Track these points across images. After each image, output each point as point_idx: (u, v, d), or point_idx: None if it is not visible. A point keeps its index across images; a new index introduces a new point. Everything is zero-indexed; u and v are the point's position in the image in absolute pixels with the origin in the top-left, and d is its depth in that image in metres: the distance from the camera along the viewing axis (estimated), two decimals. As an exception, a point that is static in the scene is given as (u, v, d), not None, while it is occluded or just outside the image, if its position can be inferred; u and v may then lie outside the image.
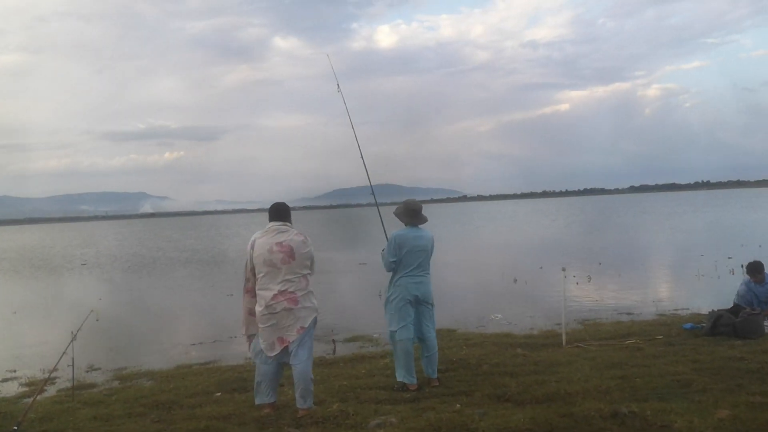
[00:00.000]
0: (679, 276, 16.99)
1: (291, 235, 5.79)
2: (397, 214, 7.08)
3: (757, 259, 9.76)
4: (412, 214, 6.97)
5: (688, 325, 9.31)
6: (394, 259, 6.77)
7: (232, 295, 17.45)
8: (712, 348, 7.90)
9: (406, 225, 6.96)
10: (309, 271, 5.86)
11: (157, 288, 21.75)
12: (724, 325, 8.59)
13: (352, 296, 16.68)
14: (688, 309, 11.92)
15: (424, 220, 7.03)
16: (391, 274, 6.91)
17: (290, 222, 5.96)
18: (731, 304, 9.33)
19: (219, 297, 17.65)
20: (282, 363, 5.88)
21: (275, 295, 5.64)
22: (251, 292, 5.88)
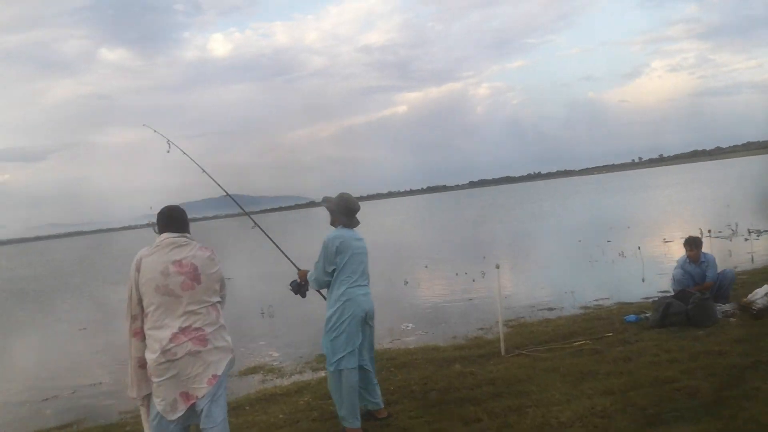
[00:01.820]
0: (573, 264, 16.49)
1: (193, 249, 4.12)
2: (331, 210, 5.58)
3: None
4: (351, 213, 5.53)
5: (631, 317, 8.42)
6: (333, 268, 5.31)
7: (85, 328, 15.01)
8: (677, 342, 6.98)
9: (340, 225, 5.53)
10: (219, 298, 4.20)
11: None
12: (675, 314, 7.75)
13: (232, 316, 14.74)
14: (608, 298, 11.19)
15: (357, 222, 5.61)
16: (329, 288, 5.43)
17: (189, 232, 4.25)
18: (658, 291, 8.65)
19: (70, 333, 15.00)
20: (187, 427, 4.13)
21: (175, 335, 3.92)
22: (140, 335, 4.07)
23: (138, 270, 4.04)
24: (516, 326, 9.63)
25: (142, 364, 4.06)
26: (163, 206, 4.30)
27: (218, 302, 4.17)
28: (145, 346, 4.04)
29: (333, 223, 5.62)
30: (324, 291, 5.64)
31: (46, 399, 9.06)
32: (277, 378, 8.52)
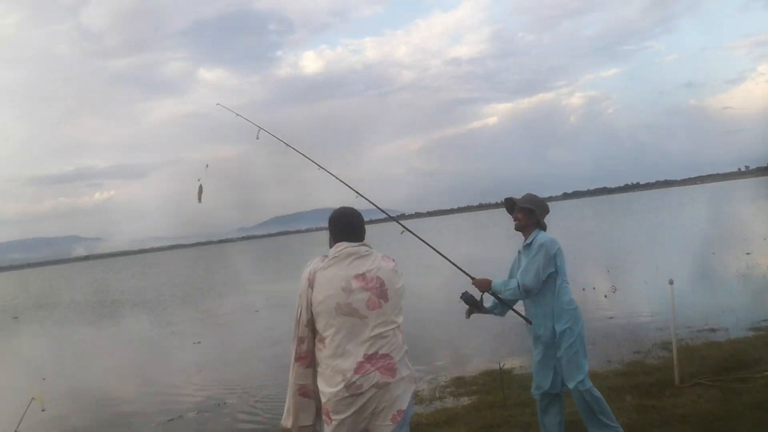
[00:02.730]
0: (719, 279, 14.84)
1: (376, 260, 3.44)
2: (537, 205, 4.93)
3: None
4: (545, 211, 5.01)
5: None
6: (551, 271, 4.75)
7: (199, 342, 14.74)
8: None
9: (536, 228, 4.98)
10: (402, 319, 3.48)
11: (105, 340, 18.65)
12: None
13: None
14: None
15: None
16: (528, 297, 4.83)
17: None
18: None
19: (184, 347, 14.77)
20: None
21: (360, 365, 3.20)
22: (305, 360, 3.39)
23: (311, 286, 3.33)
24: (680, 350, 8.45)
25: (304, 392, 3.40)
26: (336, 209, 3.65)
27: (401, 323, 3.46)
28: (309, 373, 3.39)
29: (527, 226, 4.94)
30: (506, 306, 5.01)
31: (171, 419, 8.63)
32: (416, 404, 7.72)
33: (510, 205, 5.09)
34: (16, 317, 30.69)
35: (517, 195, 5.03)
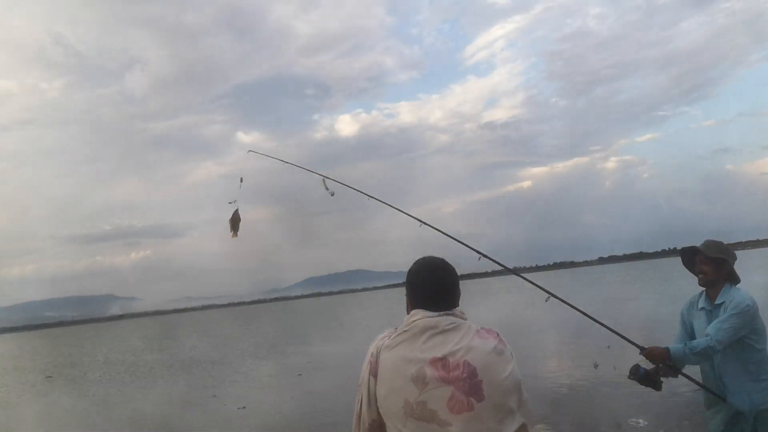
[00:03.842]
0: None
1: (466, 336, 2.28)
2: (728, 254, 4.06)
3: None
4: (734, 260, 4.17)
5: None
6: (749, 332, 3.89)
7: (244, 407, 13.82)
8: None
9: (733, 283, 4.05)
10: (519, 422, 2.28)
11: (140, 402, 17.79)
12: None
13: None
14: None
15: None
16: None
17: (457, 305, 2.43)
18: None
19: (228, 412, 13.86)
20: None
21: None
22: None
23: (373, 373, 2.32)
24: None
25: None
26: (416, 260, 2.51)
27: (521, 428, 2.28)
28: None
29: (717, 280, 4.05)
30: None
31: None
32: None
33: (690, 255, 4.20)
34: (49, 376, 30.12)
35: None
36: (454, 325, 2.26)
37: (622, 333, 4.17)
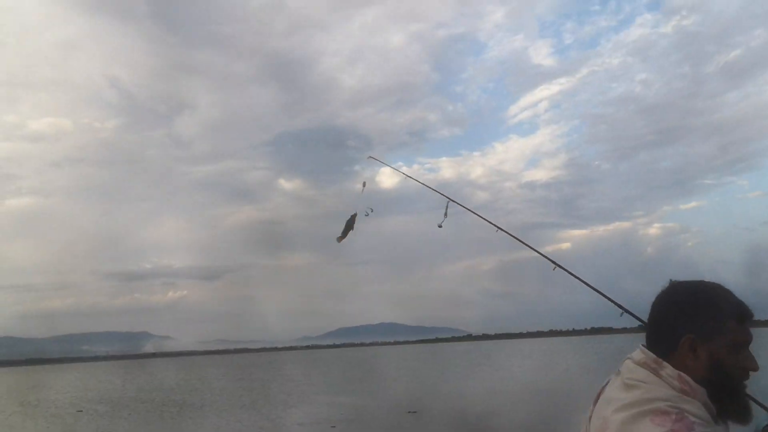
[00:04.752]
0: None
1: (617, 395, 1.61)
2: None
3: None
4: None
5: None
6: None
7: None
8: None
9: None
10: None
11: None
12: None
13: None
14: None
15: None
16: None
17: (665, 351, 1.64)
18: None
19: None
20: None
21: None
22: None
23: (590, 417, 1.72)
24: None
25: None
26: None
27: None
28: None
29: None
30: None
31: None
32: None
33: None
34: (80, 410, 29.89)
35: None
36: (634, 382, 1.61)
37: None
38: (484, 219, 3.70)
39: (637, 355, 1.67)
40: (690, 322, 1.61)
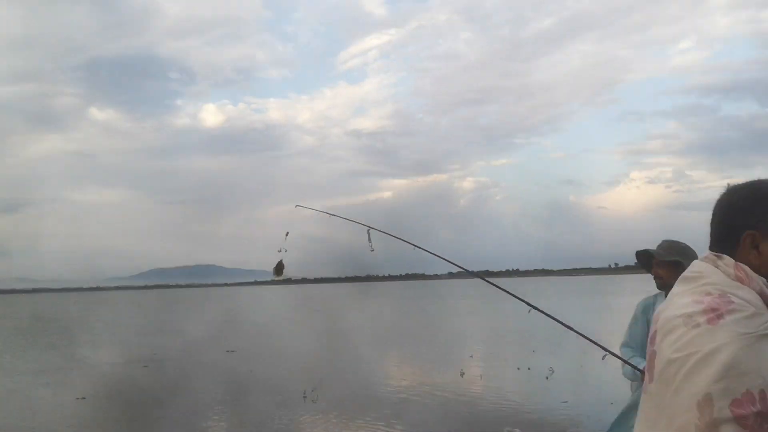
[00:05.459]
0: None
1: (686, 291, 1.52)
2: (684, 256, 3.76)
3: None
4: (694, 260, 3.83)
5: None
6: None
7: (84, 398, 12.42)
8: None
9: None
10: None
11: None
12: None
13: (264, 403, 12.18)
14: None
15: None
16: None
17: (728, 251, 1.55)
18: None
19: (64, 404, 12.40)
20: None
21: None
22: None
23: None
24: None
25: None
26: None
27: None
28: None
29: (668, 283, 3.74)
30: None
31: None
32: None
33: (645, 259, 3.97)
34: None
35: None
36: (695, 275, 1.57)
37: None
38: (409, 242, 4.13)
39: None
40: (750, 218, 1.54)
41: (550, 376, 13.12)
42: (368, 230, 4.23)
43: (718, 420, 1.27)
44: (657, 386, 1.44)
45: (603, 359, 3.61)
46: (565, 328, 3.97)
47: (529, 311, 3.74)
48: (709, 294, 1.45)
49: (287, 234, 4.54)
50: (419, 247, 4.14)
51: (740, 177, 1.64)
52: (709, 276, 1.52)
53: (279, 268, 4.49)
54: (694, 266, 1.59)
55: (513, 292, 4.19)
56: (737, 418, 1.26)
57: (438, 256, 4.16)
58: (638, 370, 3.59)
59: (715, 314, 1.39)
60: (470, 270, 4.68)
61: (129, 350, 21.54)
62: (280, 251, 4.50)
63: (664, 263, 3.75)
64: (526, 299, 4.16)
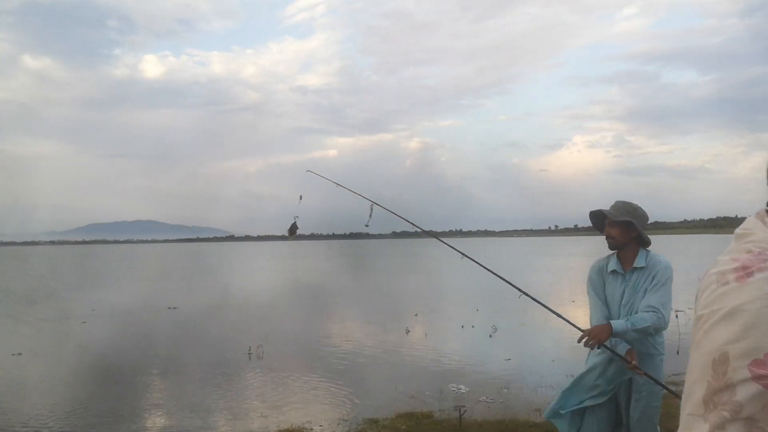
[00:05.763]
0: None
1: (735, 250, 1.36)
2: (636, 216, 3.88)
3: None
4: (645, 221, 4.05)
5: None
6: None
7: (20, 354, 12.03)
8: None
9: (645, 246, 3.96)
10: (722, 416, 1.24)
11: None
12: None
13: (208, 363, 12.00)
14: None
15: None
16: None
17: None
18: None
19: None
20: None
21: None
22: None
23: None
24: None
25: None
26: None
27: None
28: None
29: (627, 244, 3.85)
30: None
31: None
32: None
33: (598, 219, 3.98)
34: None
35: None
36: (745, 231, 1.43)
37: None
38: (408, 221, 4.44)
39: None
40: None
41: (493, 334, 13.37)
42: (371, 205, 4.44)
43: (733, 380, 1.18)
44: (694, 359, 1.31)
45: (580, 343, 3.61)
46: (509, 286, 4.01)
47: (462, 258, 3.82)
48: (749, 252, 1.33)
49: (301, 198, 4.80)
50: (422, 229, 4.49)
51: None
52: (756, 233, 1.39)
53: (293, 229, 4.71)
54: (746, 223, 1.44)
55: (462, 251, 4.18)
56: (757, 378, 1.16)
57: (402, 218, 4.38)
58: (618, 355, 3.59)
59: (745, 272, 1.29)
60: (425, 230, 4.77)
61: (66, 306, 21.02)
62: (296, 218, 4.72)
63: (616, 223, 3.77)
64: (475, 259, 4.16)
